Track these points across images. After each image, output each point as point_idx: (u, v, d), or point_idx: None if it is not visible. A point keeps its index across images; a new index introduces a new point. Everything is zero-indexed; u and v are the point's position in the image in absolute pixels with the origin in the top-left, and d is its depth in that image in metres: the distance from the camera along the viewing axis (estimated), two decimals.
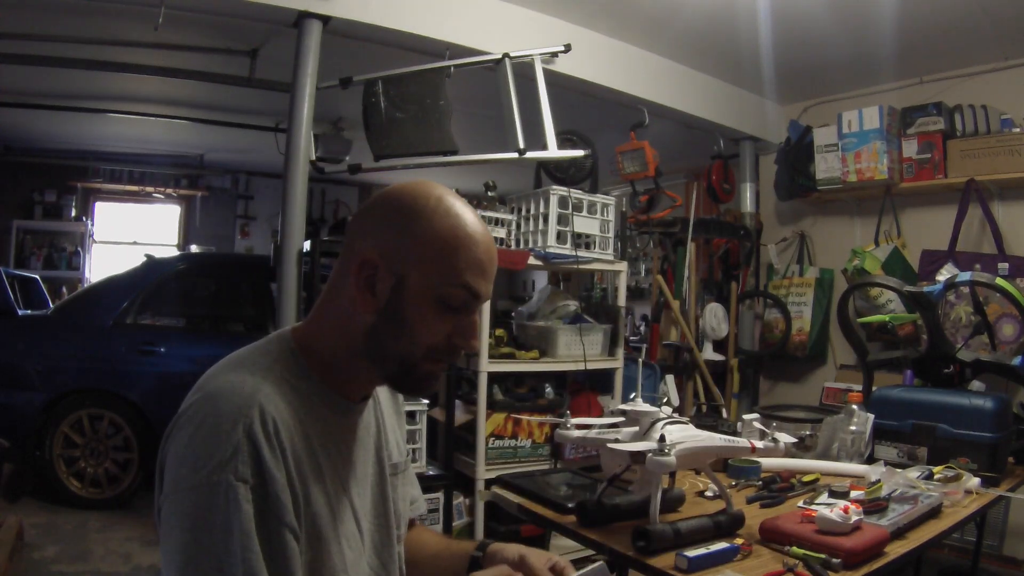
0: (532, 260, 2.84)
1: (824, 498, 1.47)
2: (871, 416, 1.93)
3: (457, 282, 0.83)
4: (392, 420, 1.04)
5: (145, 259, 4.20)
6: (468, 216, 0.85)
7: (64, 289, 5.98)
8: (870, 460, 1.89)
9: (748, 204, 4.12)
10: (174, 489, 0.74)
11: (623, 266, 3.14)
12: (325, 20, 2.52)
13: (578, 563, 0.98)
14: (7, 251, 6.18)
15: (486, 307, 2.71)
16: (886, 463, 1.84)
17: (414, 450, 2.65)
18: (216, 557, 0.71)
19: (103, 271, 5.92)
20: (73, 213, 6.50)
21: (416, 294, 0.83)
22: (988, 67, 3.27)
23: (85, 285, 6.00)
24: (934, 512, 1.50)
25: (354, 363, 0.87)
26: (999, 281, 2.26)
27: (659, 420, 1.35)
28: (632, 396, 1.57)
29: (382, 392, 1.03)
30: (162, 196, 6.94)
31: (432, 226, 0.83)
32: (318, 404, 0.85)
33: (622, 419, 1.45)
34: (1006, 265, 3.00)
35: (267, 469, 0.74)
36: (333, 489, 0.84)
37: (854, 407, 1.92)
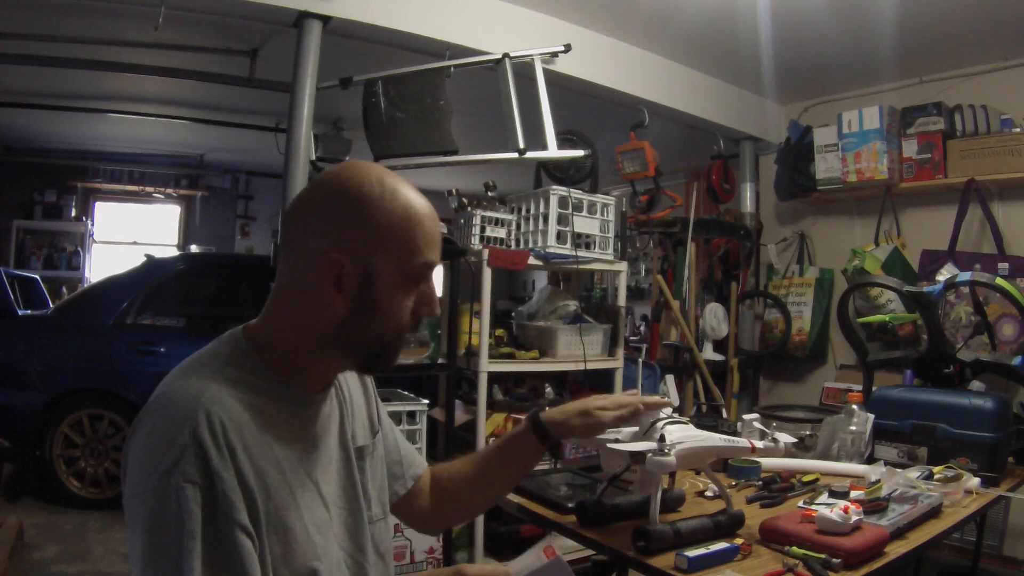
0: (532, 260, 2.84)
1: (824, 498, 1.47)
2: (871, 416, 1.92)
3: (420, 260, 0.88)
4: (360, 400, 1.05)
5: (145, 259, 4.20)
6: (411, 193, 0.89)
7: (64, 289, 5.98)
8: (870, 460, 1.89)
9: (748, 204, 4.13)
10: (132, 494, 0.77)
11: (623, 266, 3.14)
12: (325, 20, 2.52)
13: (575, 563, 0.99)
14: (7, 251, 6.18)
15: (486, 307, 2.72)
16: (886, 463, 1.84)
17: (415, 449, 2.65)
18: (172, 558, 0.73)
19: (103, 271, 5.91)
20: (73, 213, 6.50)
21: (386, 281, 0.86)
22: (988, 67, 3.27)
23: (85, 285, 6.00)
24: (934, 512, 1.49)
25: (317, 355, 0.89)
26: (999, 281, 2.26)
27: (659, 420, 1.34)
28: None
29: (349, 375, 1.04)
30: (162, 196, 6.94)
31: (386, 212, 0.86)
32: (275, 398, 0.86)
33: None
34: (1006, 265, 3.00)
35: (214, 469, 0.76)
36: (297, 479, 0.85)
37: (854, 407, 1.92)
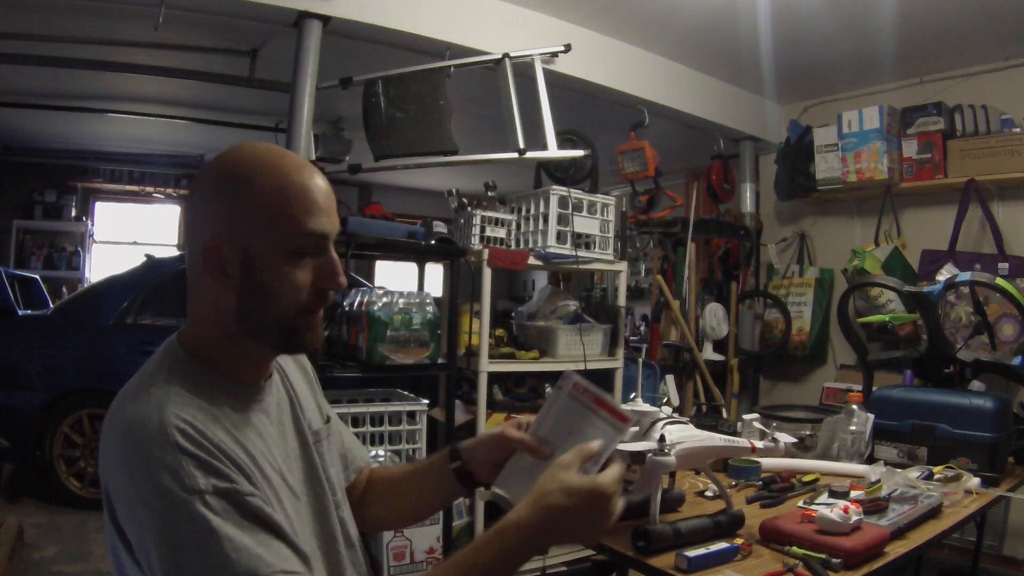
0: (532, 260, 2.84)
1: (824, 498, 1.47)
2: (871, 416, 1.92)
3: (300, 231, 0.83)
4: (304, 388, 1.04)
5: (145, 259, 4.20)
6: (287, 164, 0.84)
7: (64, 289, 5.97)
8: (870, 460, 1.89)
9: (748, 204, 4.12)
10: (149, 530, 0.73)
11: (623, 266, 3.14)
12: (325, 20, 2.52)
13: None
14: (7, 251, 6.17)
15: (486, 307, 2.72)
16: (886, 463, 1.84)
17: (414, 450, 2.66)
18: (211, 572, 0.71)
19: (103, 271, 5.91)
20: (73, 213, 6.50)
21: (266, 260, 0.82)
22: (988, 67, 3.27)
23: (85, 285, 5.99)
24: (934, 512, 1.49)
25: (238, 348, 0.86)
26: (999, 281, 2.26)
27: (659, 420, 1.35)
28: (632, 396, 1.57)
29: (287, 363, 1.02)
30: (162, 196, 6.93)
31: (258, 190, 0.82)
32: (225, 397, 0.84)
33: None
34: (1006, 265, 3.00)
35: (210, 468, 0.74)
36: (265, 476, 0.83)
37: (854, 407, 1.92)
